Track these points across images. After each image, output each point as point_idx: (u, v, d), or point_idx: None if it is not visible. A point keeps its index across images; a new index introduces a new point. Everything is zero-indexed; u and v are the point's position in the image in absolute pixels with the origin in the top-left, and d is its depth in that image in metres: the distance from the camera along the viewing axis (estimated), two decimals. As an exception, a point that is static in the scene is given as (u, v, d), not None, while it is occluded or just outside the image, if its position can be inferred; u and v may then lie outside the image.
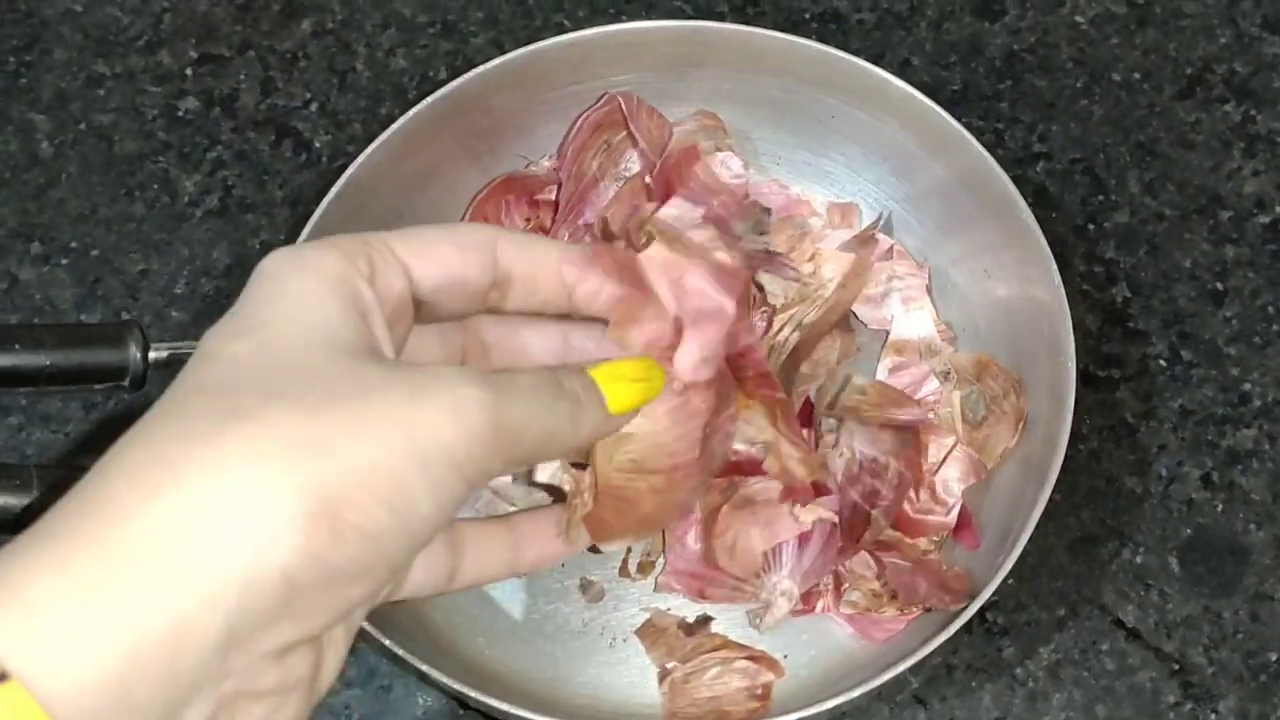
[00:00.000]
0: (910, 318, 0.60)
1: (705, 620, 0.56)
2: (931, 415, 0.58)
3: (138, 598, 0.26)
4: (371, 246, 0.33)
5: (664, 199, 0.59)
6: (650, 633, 0.56)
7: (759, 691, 0.55)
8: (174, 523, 0.26)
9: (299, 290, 0.31)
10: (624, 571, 0.57)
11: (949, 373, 0.59)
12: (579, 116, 0.61)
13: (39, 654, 0.25)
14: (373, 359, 0.31)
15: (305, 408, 0.28)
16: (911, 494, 0.56)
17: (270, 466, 0.27)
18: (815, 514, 0.54)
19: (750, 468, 0.53)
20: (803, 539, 0.55)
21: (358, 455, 0.28)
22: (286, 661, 0.28)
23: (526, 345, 0.39)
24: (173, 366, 0.55)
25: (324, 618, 0.28)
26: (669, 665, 0.56)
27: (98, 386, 0.51)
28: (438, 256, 0.34)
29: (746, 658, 0.55)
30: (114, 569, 0.26)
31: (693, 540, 0.56)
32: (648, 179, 0.59)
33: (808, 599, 0.56)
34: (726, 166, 0.60)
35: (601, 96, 0.61)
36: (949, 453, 0.57)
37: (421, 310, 0.35)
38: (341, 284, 0.31)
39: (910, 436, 0.56)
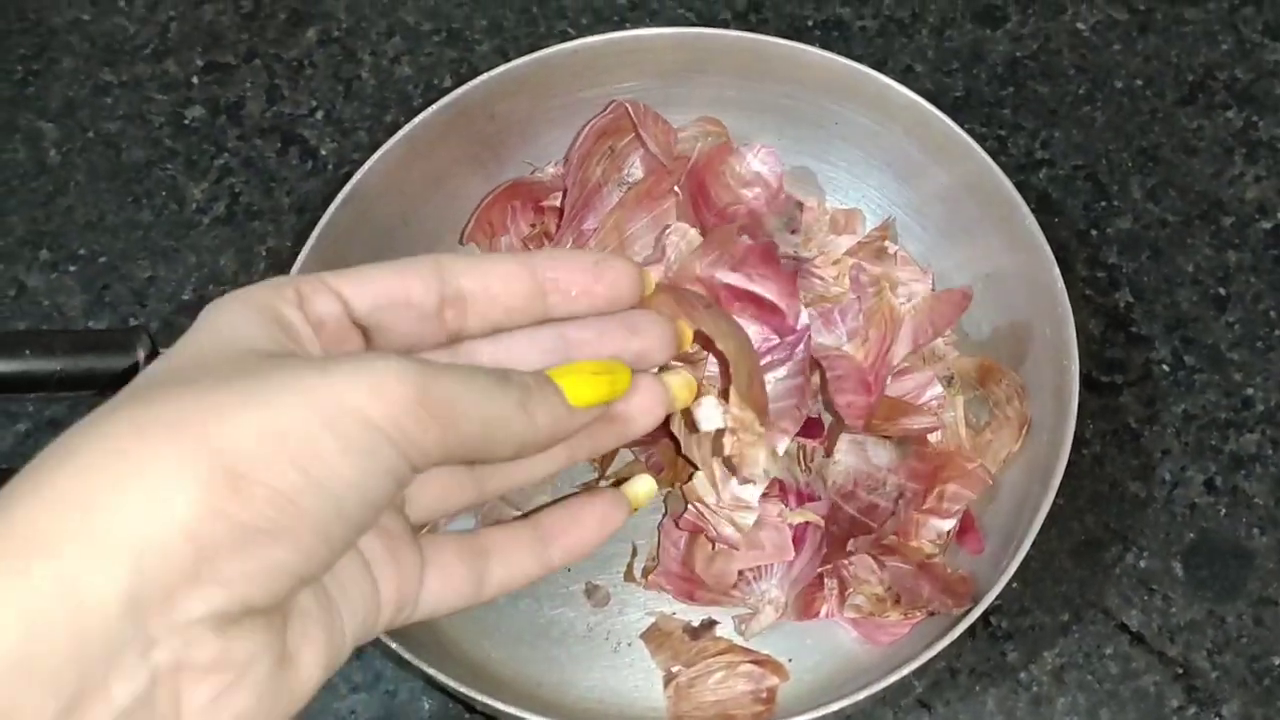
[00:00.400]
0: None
1: (710, 624, 0.57)
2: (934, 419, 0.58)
3: (26, 567, 0.26)
4: (301, 280, 0.34)
5: (696, 198, 0.59)
6: (656, 636, 0.57)
7: (764, 695, 0.55)
8: (63, 496, 0.27)
9: (225, 318, 0.32)
10: (629, 576, 0.58)
11: (952, 378, 0.59)
12: (585, 124, 0.62)
13: None
14: (293, 355, 0.31)
15: (204, 386, 0.29)
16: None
17: (160, 433, 0.27)
18: (803, 517, 0.54)
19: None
20: (795, 540, 0.55)
21: (255, 418, 0.28)
22: (229, 634, 0.28)
23: (523, 353, 0.38)
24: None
25: (252, 583, 0.28)
26: (674, 669, 0.56)
27: (107, 392, 0.52)
28: (371, 280, 0.34)
29: (751, 662, 0.55)
30: (3, 543, 0.26)
31: (683, 544, 0.56)
32: (676, 189, 0.60)
33: (810, 606, 0.56)
34: (762, 162, 0.60)
35: (608, 104, 0.61)
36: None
37: (373, 337, 0.35)
38: (266, 309, 0.32)
39: (912, 447, 0.56)
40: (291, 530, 0.28)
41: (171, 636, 0.27)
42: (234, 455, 0.27)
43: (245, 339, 0.31)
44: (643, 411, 0.37)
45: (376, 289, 0.34)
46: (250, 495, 0.28)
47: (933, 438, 0.58)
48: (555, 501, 0.39)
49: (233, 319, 0.32)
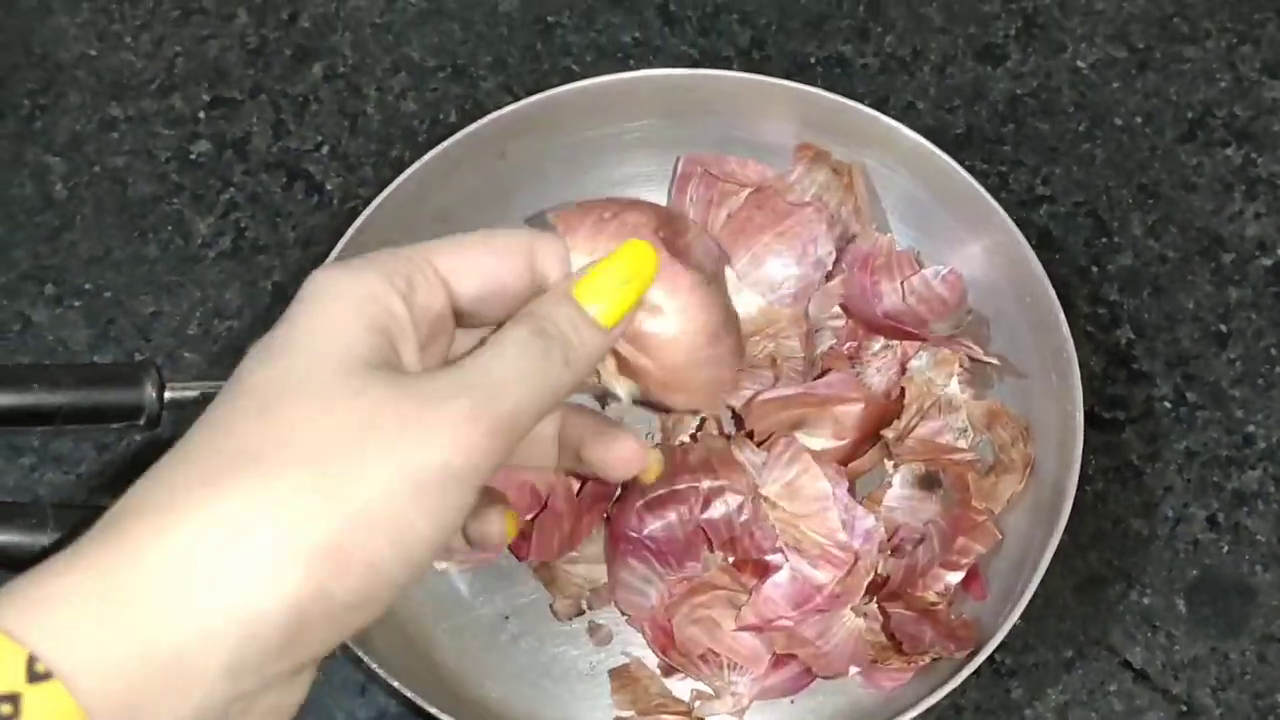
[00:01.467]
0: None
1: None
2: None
3: (145, 625, 0.28)
4: (413, 264, 0.34)
5: (863, 286, 0.59)
6: (623, 676, 0.56)
7: None
8: (183, 559, 0.28)
9: (327, 312, 0.33)
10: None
11: (966, 429, 0.59)
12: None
13: (69, 662, 0.27)
14: (382, 378, 0.32)
15: (308, 453, 0.30)
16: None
17: (278, 511, 0.29)
18: (789, 650, 0.54)
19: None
20: (779, 663, 0.55)
21: (357, 497, 0.30)
22: (295, 680, 0.30)
23: None
24: (185, 408, 0.55)
25: (331, 643, 0.30)
26: (625, 715, 0.55)
27: (113, 425, 0.52)
28: (477, 268, 0.35)
29: None
30: (124, 604, 0.28)
31: (671, 594, 0.56)
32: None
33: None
34: (949, 288, 0.60)
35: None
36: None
37: (463, 319, 0.36)
38: (371, 302, 0.33)
39: (954, 495, 0.56)
40: (378, 599, 0.30)
41: (259, 690, 0.29)
42: (338, 535, 0.29)
43: (345, 344, 0.32)
44: (621, 466, 0.40)
45: (479, 282, 0.35)
46: (348, 574, 0.29)
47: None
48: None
49: (337, 316, 0.32)
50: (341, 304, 0.33)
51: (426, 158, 0.59)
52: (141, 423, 0.52)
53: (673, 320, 0.39)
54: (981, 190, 0.57)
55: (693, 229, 0.42)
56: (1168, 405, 0.63)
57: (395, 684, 0.49)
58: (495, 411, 0.32)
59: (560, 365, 0.34)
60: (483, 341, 0.34)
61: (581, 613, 0.57)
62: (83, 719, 0.27)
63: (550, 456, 0.41)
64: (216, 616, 0.28)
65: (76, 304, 0.66)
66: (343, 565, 0.29)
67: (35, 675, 0.26)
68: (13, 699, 0.26)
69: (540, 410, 0.34)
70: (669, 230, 0.40)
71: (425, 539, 0.31)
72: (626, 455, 0.40)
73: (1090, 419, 0.62)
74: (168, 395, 0.53)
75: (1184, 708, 0.57)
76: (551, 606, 0.57)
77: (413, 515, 0.30)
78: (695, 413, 0.58)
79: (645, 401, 0.43)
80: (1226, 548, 0.60)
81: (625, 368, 0.42)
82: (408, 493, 0.30)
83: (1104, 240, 0.67)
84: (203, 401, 0.54)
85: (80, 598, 0.28)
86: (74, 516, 0.48)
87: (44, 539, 0.47)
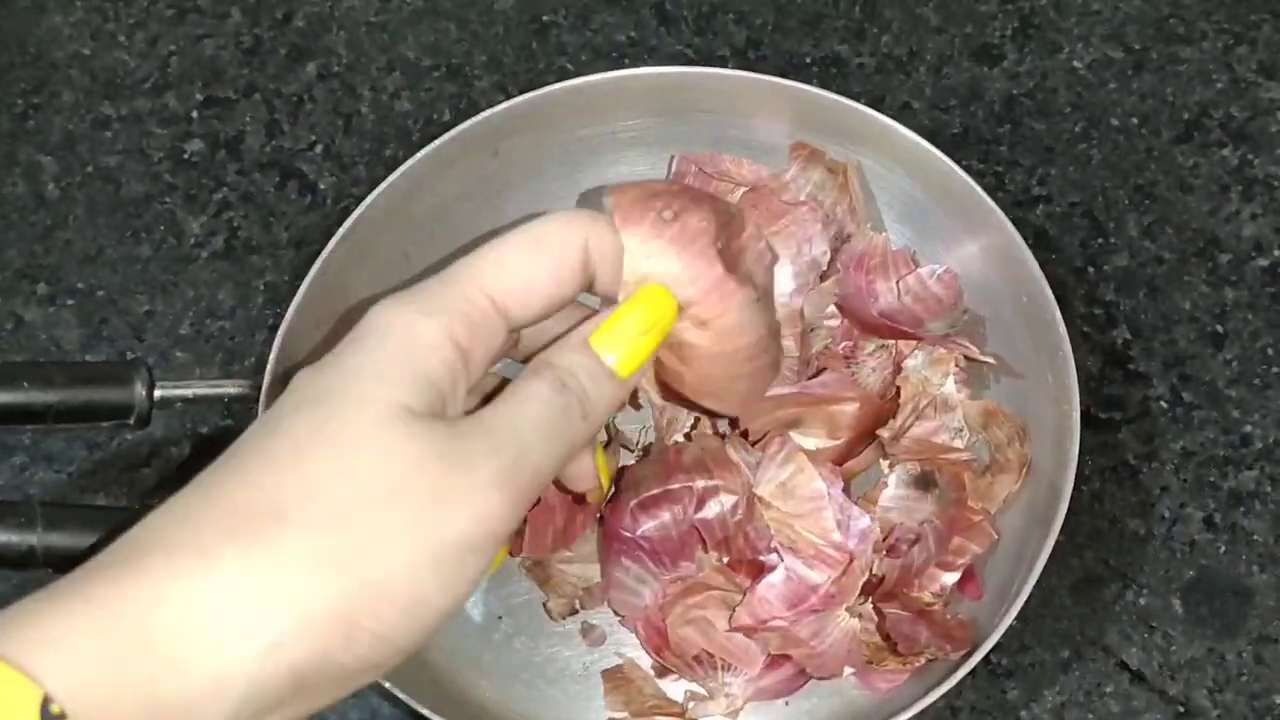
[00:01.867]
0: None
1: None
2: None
3: (156, 674, 0.28)
4: (474, 305, 0.34)
5: (858, 285, 0.59)
6: (616, 677, 0.56)
7: None
8: (198, 612, 0.29)
9: (380, 358, 0.32)
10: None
11: (962, 429, 0.59)
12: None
13: (82, 706, 0.27)
14: (420, 433, 0.31)
15: (332, 513, 0.30)
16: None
17: (294, 574, 0.29)
18: (787, 651, 0.54)
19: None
20: (776, 661, 0.54)
21: (376, 568, 0.30)
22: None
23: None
24: (175, 408, 0.55)
25: (333, 699, 0.31)
26: (618, 716, 0.55)
27: (104, 424, 0.52)
28: (534, 290, 0.35)
29: None
30: (137, 652, 0.28)
31: (666, 594, 0.56)
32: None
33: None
34: (944, 286, 0.59)
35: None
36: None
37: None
38: (428, 355, 0.33)
39: (950, 494, 0.56)
40: (383, 665, 0.31)
41: None
42: (352, 606, 0.29)
43: (390, 393, 0.31)
44: (581, 479, 0.40)
45: (538, 305, 0.35)
46: (357, 643, 0.30)
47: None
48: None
49: (387, 364, 0.32)
50: (395, 352, 0.32)
51: (419, 156, 0.58)
52: (131, 421, 0.52)
53: (717, 337, 0.39)
54: (978, 189, 0.57)
55: (749, 229, 0.42)
56: (1164, 405, 0.63)
57: (387, 685, 0.49)
58: (519, 478, 0.32)
59: (579, 420, 0.34)
60: (502, 384, 0.34)
61: (575, 612, 0.57)
62: None
63: None
64: (224, 673, 0.28)
65: (69, 303, 0.66)
66: (351, 636, 0.29)
67: (49, 716, 0.26)
68: None
69: (558, 467, 0.34)
70: (726, 235, 0.40)
71: (437, 610, 0.31)
72: (582, 474, 0.40)
73: (1086, 419, 0.62)
74: (158, 394, 0.53)
75: (1181, 709, 0.57)
76: (545, 605, 0.57)
77: (429, 588, 0.30)
78: (722, 416, 0.58)
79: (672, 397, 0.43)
80: (1223, 548, 0.60)
81: (661, 370, 0.42)
82: (426, 564, 0.30)
83: (1100, 241, 0.67)
84: (193, 401, 0.55)
85: (94, 640, 0.28)
86: (64, 515, 0.48)
87: (33, 538, 0.47)
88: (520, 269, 0.35)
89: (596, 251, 0.36)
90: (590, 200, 0.62)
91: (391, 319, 0.33)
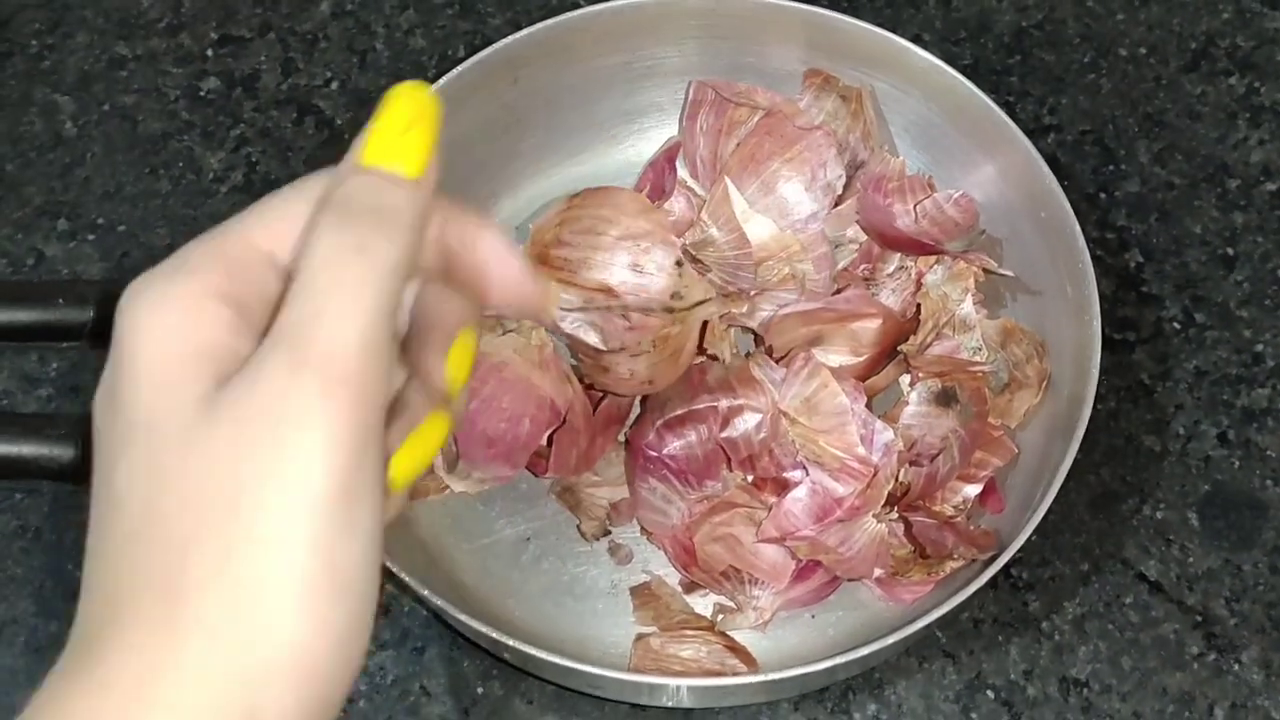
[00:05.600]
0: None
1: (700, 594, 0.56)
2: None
3: None
4: (226, 253, 0.31)
5: (873, 209, 0.59)
6: (644, 594, 0.57)
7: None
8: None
9: (150, 356, 0.29)
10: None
11: (980, 348, 0.59)
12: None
13: None
14: (224, 428, 0.28)
15: (210, 596, 0.28)
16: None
17: (183, 679, 0.28)
18: (816, 556, 0.55)
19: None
20: (804, 572, 0.55)
21: (266, 656, 0.28)
22: None
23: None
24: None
25: None
26: (647, 630, 0.56)
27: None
28: (295, 223, 0.31)
29: (726, 646, 0.55)
30: None
31: (693, 511, 0.56)
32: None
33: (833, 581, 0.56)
34: (960, 210, 0.60)
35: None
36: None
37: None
38: (197, 328, 0.30)
39: (971, 409, 0.56)
40: None
41: None
42: (251, 692, 0.27)
43: (178, 396, 0.29)
44: (500, 286, 0.35)
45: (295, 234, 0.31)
46: None
47: None
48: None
49: (161, 360, 0.29)
50: (163, 340, 0.29)
51: (439, 83, 0.58)
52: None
53: None
54: (996, 108, 0.58)
55: None
56: (1177, 326, 0.64)
57: (424, 593, 0.50)
58: (347, 365, 0.28)
59: (385, 244, 0.29)
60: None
61: (608, 533, 0.58)
62: None
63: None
64: None
65: (90, 238, 0.66)
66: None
67: None
68: None
69: (387, 313, 0.29)
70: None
71: (341, 680, 0.29)
72: (509, 275, 0.34)
73: (1102, 340, 0.63)
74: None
75: (1199, 618, 0.58)
76: (579, 527, 0.58)
77: (323, 665, 0.28)
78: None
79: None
80: (1237, 463, 0.61)
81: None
82: (324, 645, 0.28)
83: (1111, 168, 0.68)
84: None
85: None
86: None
87: (71, 451, 0.47)
88: (275, 204, 0.32)
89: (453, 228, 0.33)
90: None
91: (145, 304, 0.30)
